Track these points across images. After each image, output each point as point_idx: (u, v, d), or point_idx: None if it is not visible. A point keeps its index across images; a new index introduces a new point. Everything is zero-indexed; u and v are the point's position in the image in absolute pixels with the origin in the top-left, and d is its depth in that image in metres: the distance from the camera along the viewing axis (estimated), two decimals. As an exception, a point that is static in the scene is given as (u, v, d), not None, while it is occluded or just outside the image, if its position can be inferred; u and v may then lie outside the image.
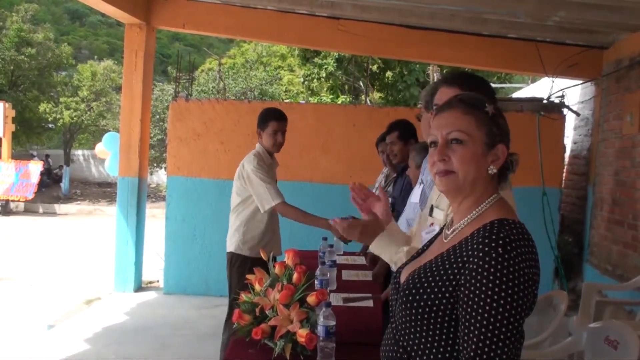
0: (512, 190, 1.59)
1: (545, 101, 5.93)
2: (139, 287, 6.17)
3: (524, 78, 13.02)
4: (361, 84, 12.82)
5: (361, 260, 3.65)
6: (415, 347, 1.19)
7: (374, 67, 12.13)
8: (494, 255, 1.09)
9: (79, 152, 20.74)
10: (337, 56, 11.78)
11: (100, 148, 8.71)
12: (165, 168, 11.43)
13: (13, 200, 12.03)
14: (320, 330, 1.81)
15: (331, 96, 12.72)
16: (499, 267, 1.08)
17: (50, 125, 19.25)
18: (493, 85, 2.33)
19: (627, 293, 4.12)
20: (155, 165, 15.86)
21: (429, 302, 1.16)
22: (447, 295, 1.14)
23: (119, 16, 6.02)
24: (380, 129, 4.07)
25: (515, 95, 10.23)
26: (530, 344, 2.61)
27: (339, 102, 11.75)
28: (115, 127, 15.11)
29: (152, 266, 6.62)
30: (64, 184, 17.33)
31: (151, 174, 16.30)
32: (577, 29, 5.19)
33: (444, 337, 1.15)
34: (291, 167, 5.67)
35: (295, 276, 2.12)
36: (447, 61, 7.15)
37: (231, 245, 3.41)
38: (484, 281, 1.08)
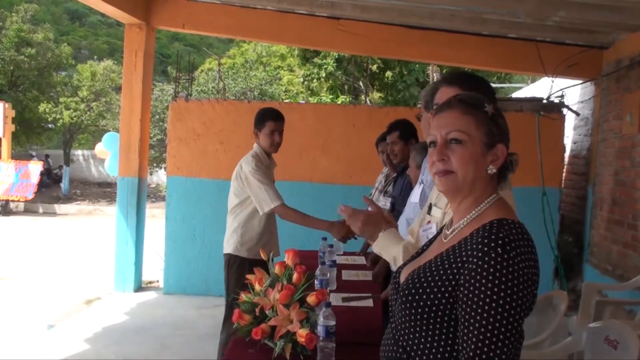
0: (512, 190, 1.60)
1: (545, 101, 5.93)
2: (139, 287, 6.17)
3: (524, 78, 13.03)
4: (361, 84, 12.82)
5: (361, 260, 3.65)
6: (414, 347, 1.19)
7: (374, 67, 12.14)
8: (493, 255, 1.09)
9: (79, 152, 20.75)
10: (336, 56, 11.78)
11: (100, 148, 8.72)
12: (165, 168, 11.43)
13: (13, 200, 12.04)
14: (320, 330, 1.81)
15: (331, 96, 12.72)
16: (499, 267, 1.08)
17: (50, 125, 19.26)
18: (493, 85, 2.33)
19: (627, 293, 4.12)
20: (155, 165, 15.86)
21: (429, 302, 1.16)
22: (446, 295, 1.14)
23: (118, 16, 6.02)
24: (380, 129, 4.07)
25: (515, 95, 10.23)
26: (530, 344, 2.62)
27: (339, 102, 11.75)
28: (115, 127, 15.12)
29: (152, 266, 6.62)
30: (64, 184, 17.34)
31: (151, 174, 16.30)
32: (577, 29, 5.19)
33: (443, 337, 1.15)
34: (291, 167, 5.67)
35: (295, 276, 2.12)
36: (447, 61, 7.15)
37: (229, 246, 3.37)
38: (484, 281, 1.08)
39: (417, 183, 2.80)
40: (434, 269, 1.19)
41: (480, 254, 1.10)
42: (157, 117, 14.44)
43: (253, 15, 6.05)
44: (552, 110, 5.81)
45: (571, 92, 6.17)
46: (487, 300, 1.07)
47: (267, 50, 19.80)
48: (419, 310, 1.17)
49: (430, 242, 1.39)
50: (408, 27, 5.85)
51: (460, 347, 1.11)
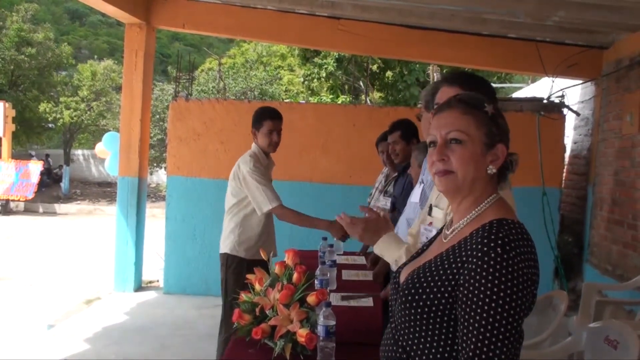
0: (512, 190, 1.60)
1: (545, 101, 5.93)
2: (139, 287, 6.17)
3: (524, 78, 13.03)
4: (361, 83, 12.82)
5: (361, 260, 3.65)
6: (414, 347, 1.19)
7: (374, 67, 12.13)
8: (492, 255, 1.09)
9: (79, 151, 20.75)
10: (337, 56, 11.78)
11: (100, 148, 8.72)
12: (165, 168, 11.44)
13: (13, 200, 12.03)
14: (320, 330, 1.81)
15: (331, 96, 12.72)
16: (498, 267, 1.08)
17: (50, 125, 19.26)
18: (493, 85, 2.33)
19: (627, 293, 4.12)
20: (155, 165, 15.86)
21: (428, 302, 1.16)
22: (446, 295, 1.14)
23: (119, 16, 6.02)
24: (380, 128, 4.07)
25: (515, 95, 10.23)
26: (530, 344, 2.61)
27: (339, 102, 11.75)
28: (115, 126, 15.12)
29: (152, 266, 6.62)
30: (64, 184, 17.34)
31: (151, 174, 16.30)
32: (576, 29, 5.19)
33: (443, 337, 1.15)
34: (291, 167, 5.67)
35: (295, 276, 2.12)
36: (447, 61, 7.15)
37: (225, 246, 3.34)
38: (483, 281, 1.08)
39: (417, 183, 2.80)
40: (433, 269, 1.19)
41: (480, 254, 1.10)
42: (158, 116, 14.44)
43: (253, 15, 6.05)
44: (553, 110, 5.81)
45: (571, 92, 6.17)
46: (487, 300, 1.07)
47: (268, 50, 19.80)
48: (419, 310, 1.17)
49: (430, 242, 1.40)
50: (408, 27, 5.85)
51: (459, 347, 1.11)
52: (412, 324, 1.19)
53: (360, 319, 2.37)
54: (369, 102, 12.00)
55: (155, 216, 11.23)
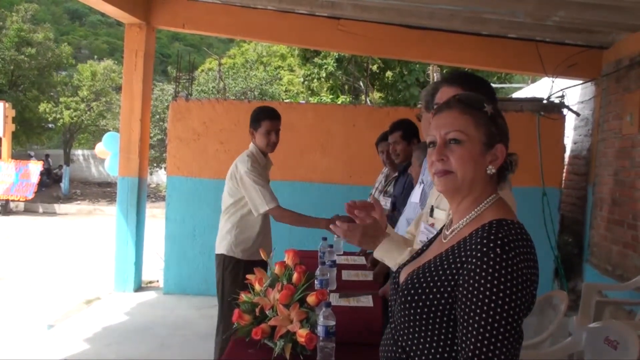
0: (512, 190, 1.59)
1: (545, 101, 5.93)
2: (139, 287, 6.17)
3: (524, 78, 13.03)
4: (361, 84, 12.82)
5: (361, 260, 3.65)
6: (414, 347, 1.19)
7: (374, 67, 12.14)
8: (492, 255, 1.09)
9: (79, 152, 20.76)
10: (337, 56, 11.78)
11: (100, 148, 8.72)
12: (165, 168, 11.43)
13: (13, 200, 12.04)
14: (320, 330, 1.81)
15: (331, 96, 12.72)
16: (497, 267, 1.08)
17: (50, 125, 19.27)
18: (493, 85, 2.33)
19: (627, 293, 4.12)
20: (155, 165, 15.87)
21: (428, 302, 1.16)
22: (445, 295, 1.14)
23: (118, 16, 6.01)
24: (380, 129, 4.07)
25: (515, 95, 10.24)
26: (530, 344, 2.61)
27: (339, 102, 11.75)
28: (115, 127, 15.13)
29: (152, 266, 6.62)
30: (64, 184, 17.34)
31: (151, 174, 16.31)
32: (576, 29, 5.19)
33: (442, 337, 1.15)
34: (291, 167, 5.68)
35: (295, 276, 2.12)
36: (447, 61, 7.15)
37: (222, 247, 3.29)
38: (482, 281, 1.08)
39: (417, 183, 2.80)
40: (433, 269, 1.19)
41: (479, 254, 1.10)
42: (157, 117, 14.44)
43: (253, 15, 6.05)
44: (552, 110, 5.81)
45: (571, 92, 6.17)
46: (486, 300, 1.07)
47: (268, 50, 19.81)
48: (418, 310, 1.17)
49: (430, 242, 1.40)
50: (408, 27, 5.86)
51: (459, 347, 1.11)
52: (411, 324, 1.19)
53: (360, 319, 2.37)
54: (369, 102, 12.01)
55: (155, 216, 11.22)
